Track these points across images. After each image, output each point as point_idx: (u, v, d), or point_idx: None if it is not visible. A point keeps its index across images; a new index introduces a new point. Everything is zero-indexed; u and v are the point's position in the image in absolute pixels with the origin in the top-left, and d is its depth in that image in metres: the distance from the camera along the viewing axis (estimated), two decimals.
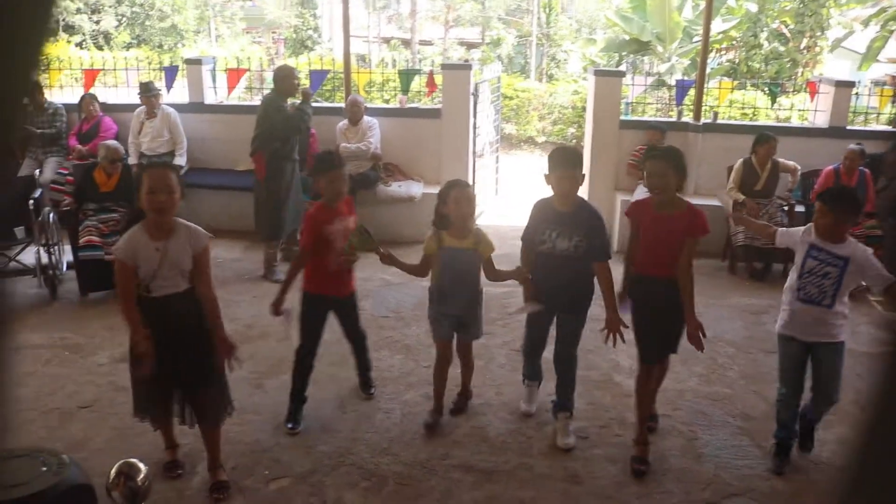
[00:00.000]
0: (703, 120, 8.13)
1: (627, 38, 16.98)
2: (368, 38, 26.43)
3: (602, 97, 8.19)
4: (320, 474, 3.87)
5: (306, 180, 6.94)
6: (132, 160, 7.76)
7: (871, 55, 15.66)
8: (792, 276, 3.91)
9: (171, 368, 3.44)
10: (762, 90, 11.10)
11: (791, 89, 11.46)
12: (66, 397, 4.63)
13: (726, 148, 7.68)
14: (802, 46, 16.54)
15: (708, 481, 3.91)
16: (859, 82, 8.83)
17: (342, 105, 8.16)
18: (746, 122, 9.42)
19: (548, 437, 4.25)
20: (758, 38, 16.78)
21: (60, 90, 9.23)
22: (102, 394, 4.66)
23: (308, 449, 4.10)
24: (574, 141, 14.06)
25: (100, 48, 22.73)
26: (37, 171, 7.26)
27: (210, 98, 8.66)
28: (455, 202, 3.96)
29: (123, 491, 1.88)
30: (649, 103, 10.29)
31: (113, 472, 1.89)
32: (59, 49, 17.20)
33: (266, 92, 7.34)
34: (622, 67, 16.45)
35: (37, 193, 6.31)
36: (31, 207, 6.11)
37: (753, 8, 16.53)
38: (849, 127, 8.12)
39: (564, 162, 3.91)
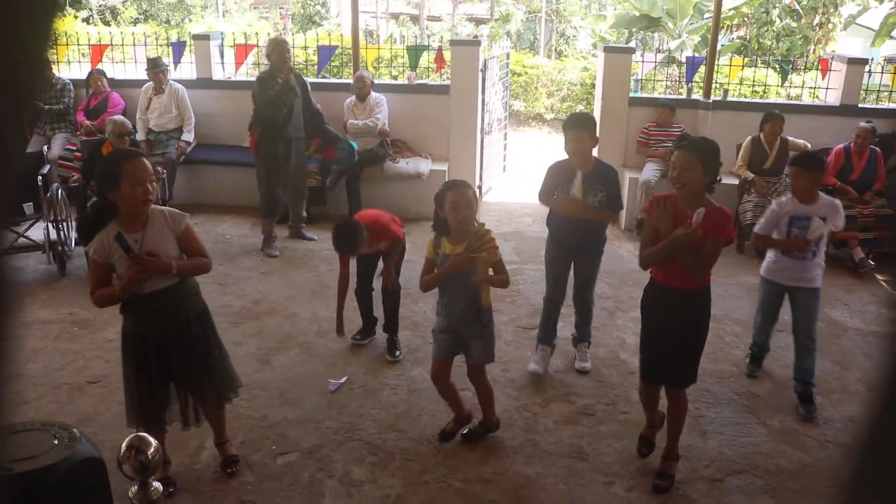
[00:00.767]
0: (713, 97, 8.08)
1: (637, 14, 16.82)
2: (377, 13, 26.26)
3: (611, 74, 8.13)
4: (327, 449, 3.91)
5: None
6: (140, 136, 7.76)
7: (884, 31, 15.46)
8: (776, 237, 4.42)
9: (167, 370, 3.37)
10: (773, 67, 11.01)
11: (803, 67, 11.35)
12: (75, 372, 4.67)
13: (736, 126, 7.63)
14: (815, 23, 16.37)
15: (713, 458, 3.93)
16: (872, 59, 8.74)
17: (350, 81, 8.13)
18: (757, 99, 9.34)
19: (567, 360, 4.94)
20: (769, 14, 16.59)
21: (68, 66, 9.21)
22: (111, 369, 4.69)
23: (315, 424, 4.13)
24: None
25: (107, 24, 22.67)
26: (45, 147, 7.27)
27: (218, 74, 8.64)
28: (452, 205, 3.62)
29: (134, 464, 1.91)
30: (659, 80, 10.22)
31: (124, 445, 1.92)
32: (66, 24, 17.15)
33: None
34: (632, 44, 16.32)
35: (45, 169, 6.32)
36: (40, 183, 6.13)
37: None
38: (860, 105, 8.05)
39: (573, 124, 4.38)
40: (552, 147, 11.25)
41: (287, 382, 4.57)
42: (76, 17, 21.41)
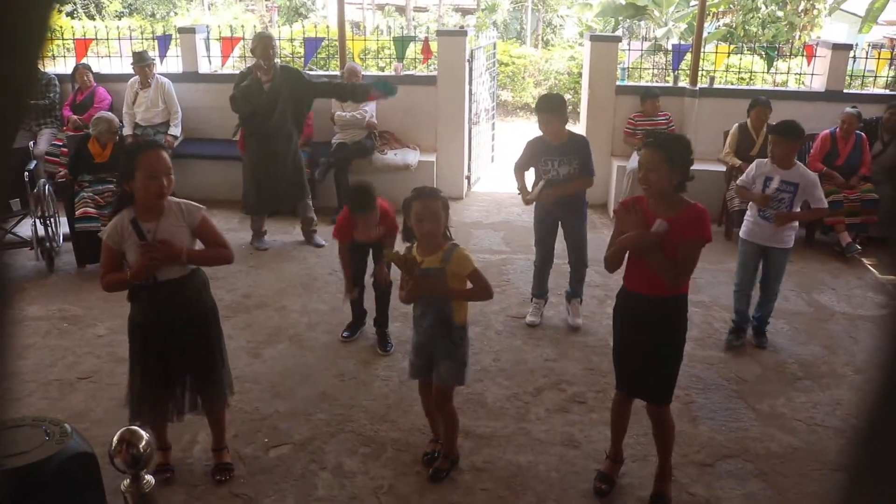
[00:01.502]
0: (699, 85, 8.10)
1: (624, 2, 16.82)
2: (363, 5, 26.15)
3: (598, 63, 8.14)
4: (319, 441, 3.92)
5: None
6: (127, 131, 7.73)
7: (870, 17, 15.52)
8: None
9: (174, 360, 3.39)
10: (759, 54, 11.03)
11: (788, 53, 11.38)
12: (65, 368, 4.66)
13: (723, 113, 7.66)
14: (800, 9, 16.40)
15: (703, 443, 3.96)
16: (857, 45, 8.77)
17: (337, 73, 8.11)
18: (743, 86, 9.37)
19: (562, 315, 5.43)
20: (755, 1, 16.62)
21: (52, 61, 9.15)
22: (102, 365, 4.69)
23: (307, 417, 4.14)
24: (570, 108, 13.98)
25: (91, 17, 22.50)
26: (31, 143, 7.23)
27: (204, 67, 8.60)
28: (416, 218, 3.34)
29: (126, 457, 1.91)
30: (646, 68, 10.22)
31: (115, 439, 1.92)
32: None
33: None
34: (618, 32, 16.33)
35: (32, 165, 6.28)
36: (27, 179, 6.09)
37: None
38: (846, 90, 8.09)
39: (542, 108, 4.93)
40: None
41: (278, 375, 4.57)
42: (60, 10, 21.23)
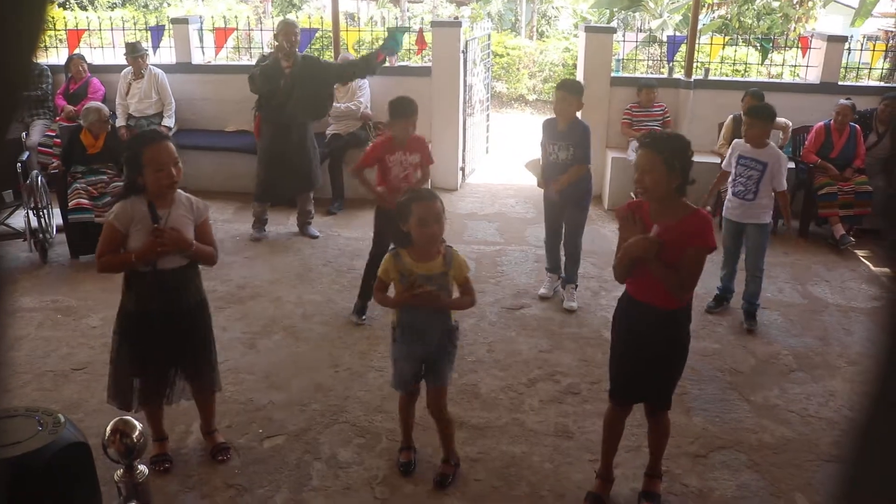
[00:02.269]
0: (694, 76, 8.09)
1: None
2: None
3: (593, 54, 8.12)
4: (314, 432, 3.92)
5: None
6: (120, 122, 7.70)
7: (865, 10, 15.49)
8: (731, 177, 5.21)
9: (170, 349, 3.41)
10: (754, 46, 11.03)
11: (783, 45, 11.38)
12: (59, 360, 4.65)
13: (717, 104, 7.65)
14: (795, 1, 16.37)
15: (697, 435, 3.97)
16: (852, 37, 8.77)
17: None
18: (738, 78, 9.37)
19: (556, 306, 5.51)
20: None
21: (45, 52, 9.09)
22: (96, 356, 4.67)
23: (302, 407, 4.14)
24: None
25: (83, 8, 22.35)
26: (23, 134, 7.19)
27: (197, 58, 8.56)
28: (419, 221, 3.16)
29: (119, 447, 1.91)
30: (640, 60, 10.20)
31: (108, 429, 1.91)
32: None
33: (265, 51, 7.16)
34: (613, 24, 16.28)
35: (24, 156, 6.25)
36: (19, 170, 6.06)
37: None
38: (840, 83, 8.09)
39: (562, 86, 5.22)
40: (535, 128, 11.24)
41: (272, 366, 4.57)
42: (53, 1, 21.11)
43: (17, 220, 6.18)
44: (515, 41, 16.50)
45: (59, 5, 21.40)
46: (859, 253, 6.69)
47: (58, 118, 7.83)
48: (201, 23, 8.98)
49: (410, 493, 3.49)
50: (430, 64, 8.29)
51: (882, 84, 9.09)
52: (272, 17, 20.66)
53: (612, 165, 7.80)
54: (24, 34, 0.52)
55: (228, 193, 7.77)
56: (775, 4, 16.45)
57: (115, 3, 23.77)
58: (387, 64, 6.99)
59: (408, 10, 23.61)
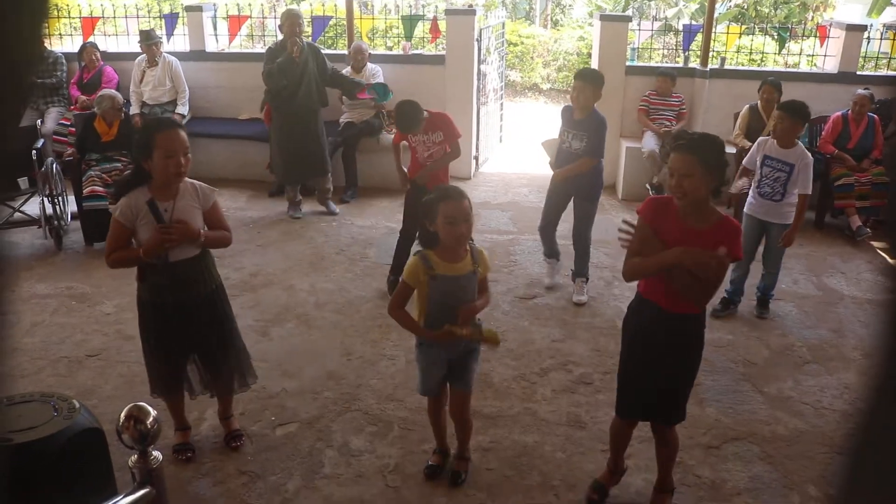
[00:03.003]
0: (710, 65, 8.02)
1: None
2: None
3: (608, 43, 8.06)
4: (326, 420, 3.93)
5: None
6: (134, 109, 7.72)
7: (881, 2, 15.32)
8: (756, 176, 5.03)
9: (186, 340, 3.42)
10: (771, 35, 10.93)
11: (800, 34, 11.27)
12: (74, 346, 4.68)
13: (734, 94, 7.59)
14: None
15: (710, 426, 3.95)
16: (871, 26, 8.67)
17: (345, 52, 8.07)
18: (754, 67, 9.29)
19: (568, 296, 5.23)
20: None
21: (59, 39, 9.13)
22: (110, 342, 4.70)
23: (314, 395, 4.15)
24: None
25: None
26: (38, 122, 7.22)
27: (211, 46, 8.56)
28: (448, 220, 3.02)
29: (133, 433, 1.91)
30: (656, 49, 10.13)
31: (122, 415, 1.92)
32: None
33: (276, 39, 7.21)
34: (628, 12, 16.17)
35: (39, 144, 6.28)
36: (34, 158, 6.09)
37: None
38: (859, 72, 8.00)
39: (581, 76, 5.10)
40: (549, 117, 11.19)
41: (285, 354, 4.58)
42: None
43: (33, 207, 6.21)
44: (530, 30, 16.42)
45: None
46: (875, 244, 6.63)
47: (72, 107, 7.85)
48: (215, 10, 8.98)
49: (422, 482, 3.49)
50: (443, 52, 8.25)
51: None
52: (286, 5, 20.63)
53: (627, 155, 7.76)
54: (30, 20, 0.52)
55: (242, 181, 7.79)
56: None
57: None
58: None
59: None
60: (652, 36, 9.35)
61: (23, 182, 6.27)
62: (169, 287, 3.32)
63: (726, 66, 8.26)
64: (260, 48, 9.71)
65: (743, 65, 9.29)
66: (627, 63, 8.21)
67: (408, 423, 3.90)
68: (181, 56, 8.19)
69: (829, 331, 5.08)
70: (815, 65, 8.63)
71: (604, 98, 8.01)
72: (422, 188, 4.94)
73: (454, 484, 3.46)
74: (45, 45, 8.12)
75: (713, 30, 8.35)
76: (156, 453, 2.04)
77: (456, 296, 3.11)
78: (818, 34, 8.47)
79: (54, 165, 6.22)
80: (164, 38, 8.34)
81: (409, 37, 8.56)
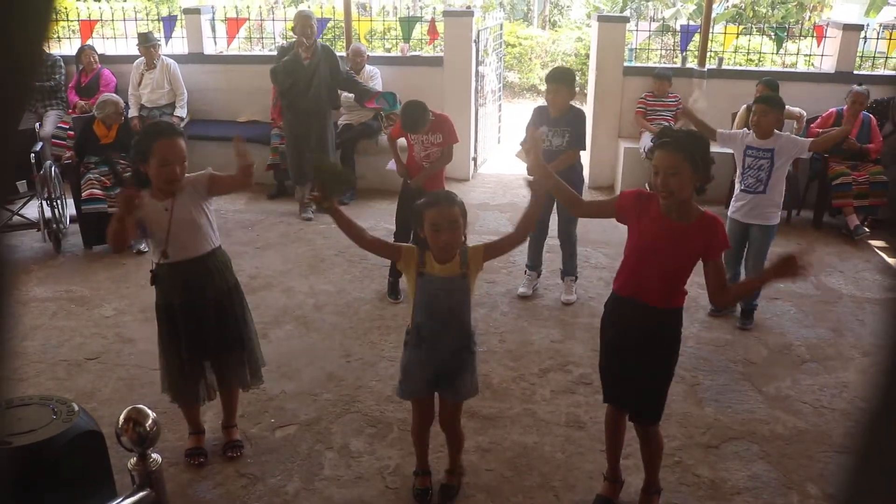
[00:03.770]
0: (707, 66, 8.04)
1: None
2: None
3: (605, 44, 8.07)
4: (326, 421, 3.93)
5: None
6: (132, 112, 7.72)
7: (878, 1, 15.33)
8: (739, 170, 4.95)
9: (197, 342, 3.39)
10: (768, 35, 10.94)
11: (798, 34, 11.29)
12: (73, 349, 4.68)
13: (731, 94, 7.60)
14: None
15: (709, 425, 3.96)
16: (868, 26, 8.67)
17: (343, 54, 8.07)
18: (752, 67, 9.29)
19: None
20: None
21: (57, 42, 9.13)
22: (109, 345, 4.71)
23: (313, 397, 4.15)
24: (577, 89, 13.93)
25: None
26: (36, 125, 7.22)
27: (209, 48, 8.57)
28: (432, 227, 2.93)
29: (132, 436, 1.92)
30: (653, 49, 10.14)
31: (121, 417, 1.93)
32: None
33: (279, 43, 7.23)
34: (626, 13, 16.18)
35: (37, 147, 6.28)
36: (33, 161, 6.09)
37: None
38: (856, 72, 8.01)
39: (553, 78, 5.05)
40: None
41: (284, 356, 4.58)
42: None
43: (31, 210, 6.22)
44: (528, 31, 16.44)
45: None
46: (873, 243, 6.64)
47: (70, 111, 7.85)
48: (213, 13, 8.99)
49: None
50: (441, 54, 8.27)
51: None
52: (284, 7, 20.63)
53: (625, 155, 7.77)
54: (33, 23, 0.52)
55: None
56: None
57: None
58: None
59: (419, 0, 23.50)
60: (650, 37, 9.36)
61: (21, 185, 6.27)
62: (177, 287, 3.32)
63: (724, 67, 8.28)
64: (258, 50, 9.71)
65: (740, 65, 9.30)
66: (625, 64, 8.23)
67: (407, 424, 3.89)
68: (179, 59, 8.20)
69: (827, 330, 5.09)
70: (812, 65, 8.64)
71: (602, 99, 8.10)
72: (416, 191, 4.93)
73: (446, 497, 3.38)
74: (45, 48, 8.12)
75: (711, 30, 8.36)
76: (155, 456, 2.05)
77: (440, 301, 3.02)
78: (815, 34, 8.48)
79: (53, 168, 6.22)
80: (163, 41, 8.35)
81: (407, 38, 8.57)
